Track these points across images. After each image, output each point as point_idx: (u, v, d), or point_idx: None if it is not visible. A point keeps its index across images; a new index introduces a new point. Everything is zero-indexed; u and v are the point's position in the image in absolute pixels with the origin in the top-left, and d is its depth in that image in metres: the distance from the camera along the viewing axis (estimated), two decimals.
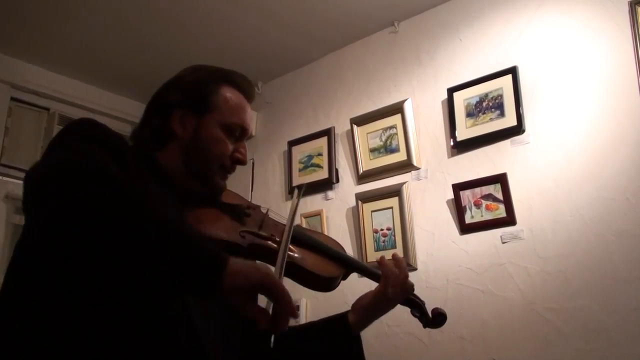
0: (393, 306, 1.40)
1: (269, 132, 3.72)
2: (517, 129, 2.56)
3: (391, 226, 2.88)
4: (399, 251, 2.80)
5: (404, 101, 2.99)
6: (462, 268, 2.60)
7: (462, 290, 2.58)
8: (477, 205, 2.60)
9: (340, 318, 1.37)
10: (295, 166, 3.43)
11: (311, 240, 1.34)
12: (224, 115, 1.24)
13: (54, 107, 3.70)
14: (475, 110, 2.71)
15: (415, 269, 2.75)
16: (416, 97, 2.99)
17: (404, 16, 3.13)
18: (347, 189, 3.16)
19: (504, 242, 2.50)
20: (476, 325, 2.49)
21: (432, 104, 2.92)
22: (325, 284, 1.30)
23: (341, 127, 3.29)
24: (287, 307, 0.88)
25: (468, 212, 2.62)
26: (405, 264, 1.41)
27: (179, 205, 1.18)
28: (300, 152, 3.43)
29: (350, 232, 3.07)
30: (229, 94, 1.26)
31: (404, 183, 2.89)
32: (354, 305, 1.38)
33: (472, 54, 2.83)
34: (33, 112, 3.67)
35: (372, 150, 3.07)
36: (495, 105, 2.65)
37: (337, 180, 3.22)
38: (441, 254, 2.69)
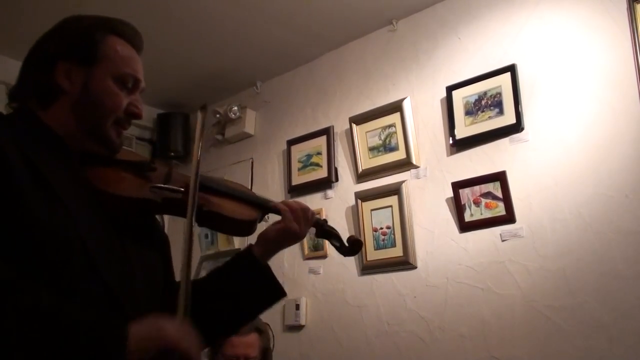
0: (302, 238, 1.39)
1: (268, 131, 3.72)
2: (516, 127, 2.56)
3: (391, 225, 2.88)
4: (399, 249, 2.81)
5: (402, 100, 2.99)
6: (462, 266, 2.60)
7: (462, 289, 2.58)
8: (477, 203, 2.60)
9: (246, 254, 1.33)
10: (295, 165, 3.43)
11: (224, 188, 1.33)
12: (114, 66, 1.15)
13: None
14: (474, 109, 2.71)
15: (415, 267, 2.75)
16: (415, 95, 2.99)
17: (403, 15, 3.13)
18: (347, 187, 3.16)
19: (503, 240, 2.51)
20: (476, 323, 2.50)
21: (431, 103, 2.92)
22: (245, 228, 1.31)
23: (340, 126, 3.29)
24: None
25: (467, 210, 2.62)
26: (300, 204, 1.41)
27: (76, 168, 1.12)
28: (299, 151, 3.43)
29: (350, 230, 3.07)
30: (118, 44, 1.18)
31: (403, 182, 2.89)
32: (258, 239, 1.35)
33: (471, 52, 2.83)
34: None
35: (371, 149, 3.07)
36: (494, 103, 2.65)
37: (337, 179, 3.22)
38: (441, 252, 2.69)
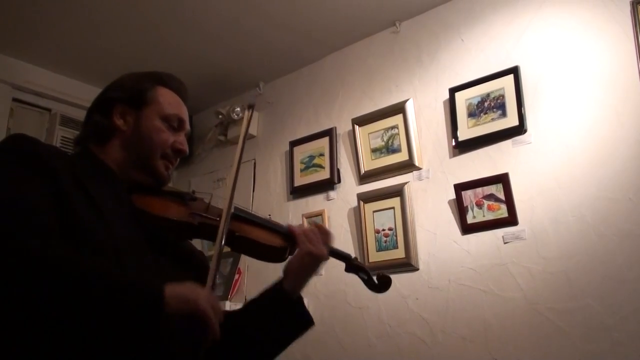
0: (323, 262, 1.43)
1: (271, 132, 3.72)
2: (519, 129, 2.56)
3: (393, 226, 2.88)
4: (401, 251, 2.81)
5: (405, 101, 2.99)
6: (464, 268, 2.60)
7: (464, 291, 2.58)
8: (479, 205, 2.59)
9: (276, 288, 1.41)
10: (297, 166, 3.43)
11: (256, 218, 1.44)
12: (161, 108, 1.34)
13: (56, 108, 3.70)
14: (477, 111, 2.71)
15: (417, 269, 2.75)
16: (418, 97, 2.99)
17: (406, 16, 3.13)
18: (349, 189, 3.16)
19: (505, 242, 2.50)
20: (478, 326, 2.49)
21: (433, 104, 2.92)
22: (274, 254, 1.39)
23: (343, 127, 3.29)
24: (209, 330, 1.02)
25: (470, 212, 2.62)
26: (318, 226, 1.49)
27: (122, 192, 1.26)
28: (301, 153, 3.43)
29: (352, 232, 3.07)
30: (165, 92, 1.37)
31: (405, 183, 2.89)
32: (285, 272, 1.42)
33: (474, 54, 2.83)
34: (35, 112, 3.68)
35: (374, 151, 3.07)
36: (497, 105, 2.65)
37: (339, 181, 3.22)
38: (443, 254, 2.69)
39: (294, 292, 1.39)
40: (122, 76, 1.41)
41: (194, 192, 1.40)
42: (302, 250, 1.39)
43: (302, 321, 1.41)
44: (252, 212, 1.46)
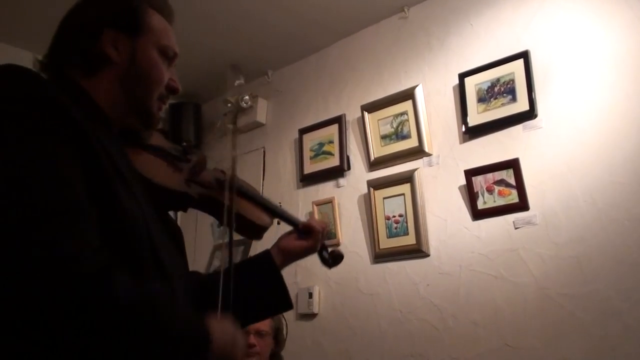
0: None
1: (280, 120, 3.72)
2: (529, 114, 2.54)
3: (403, 213, 2.88)
4: (411, 238, 2.81)
5: (414, 87, 2.97)
6: (475, 254, 2.60)
7: (475, 276, 2.58)
8: (490, 190, 2.59)
9: (266, 260, 1.42)
10: (307, 154, 3.43)
11: (248, 192, 1.40)
12: (158, 38, 1.13)
13: None
14: (487, 96, 2.69)
15: (428, 256, 2.75)
16: (427, 83, 2.97)
17: (414, 1, 3.11)
18: (359, 176, 3.16)
19: (516, 228, 2.50)
20: (489, 311, 2.50)
21: (443, 90, 2.90)
22: (261, 232, 1.40)
23: (352, 114, 3.28)
24: None
25: (480, 197, 2.61)
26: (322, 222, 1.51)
27: (125, 152, 1.09)
28: (311, 140, 3.43)
29: (362, 219, 3.07)
30: (158, 17, 1.15)
31: (415, 169, 2.88)
32: (282, 250, 1.44)
33: (483, 39, 2.81)
34: None
35: (383, 137, 3.06)
36: (507, 90, 2.63)
37: (349, 168, 3.22)
38: (453, 240, 2.69)
39: (280, 269, 1.44)
40: None
41: (185, 144, 1.27)
42: (311, 245, 1.43)
43: (284, 299, 1.44)
44: (250, 186, 1.45)
